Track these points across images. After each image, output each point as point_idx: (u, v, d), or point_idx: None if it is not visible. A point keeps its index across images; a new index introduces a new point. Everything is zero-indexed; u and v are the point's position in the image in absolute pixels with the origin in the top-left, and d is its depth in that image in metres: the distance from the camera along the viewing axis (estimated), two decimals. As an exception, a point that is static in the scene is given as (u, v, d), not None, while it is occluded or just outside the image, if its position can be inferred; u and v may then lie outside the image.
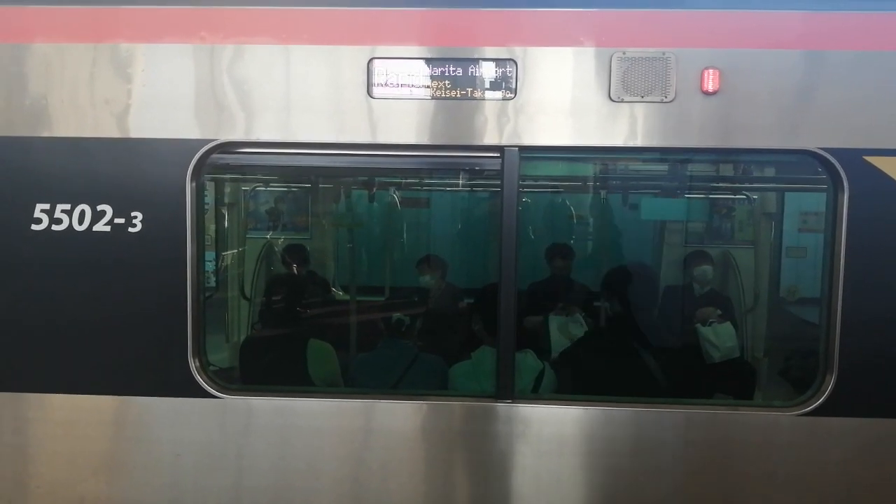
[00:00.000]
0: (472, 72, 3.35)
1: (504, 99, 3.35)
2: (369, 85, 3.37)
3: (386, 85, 3.37)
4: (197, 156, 3.39)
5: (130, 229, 3.42)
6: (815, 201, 4.67)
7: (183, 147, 3.39)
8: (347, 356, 5.11)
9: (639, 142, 3.34)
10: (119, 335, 3.46)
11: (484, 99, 3.35)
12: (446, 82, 3.35)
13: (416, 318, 4.74)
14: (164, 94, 3.39)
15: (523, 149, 3.37)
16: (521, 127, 3.35)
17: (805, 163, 3.36)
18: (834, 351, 3.31)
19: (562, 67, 3.33)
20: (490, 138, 3.37)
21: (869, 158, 3.25)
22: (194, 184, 3.42)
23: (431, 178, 6.37)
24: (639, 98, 3.30)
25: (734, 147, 3.37)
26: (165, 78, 3.39)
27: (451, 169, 5.04)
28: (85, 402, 3.51)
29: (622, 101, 3.31)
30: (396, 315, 4.52)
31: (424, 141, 3.40)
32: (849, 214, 3.26)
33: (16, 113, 3.42)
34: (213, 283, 6.33)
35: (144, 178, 3.40)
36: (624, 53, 3.30)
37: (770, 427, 3.39)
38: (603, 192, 6.21)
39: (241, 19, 3.39)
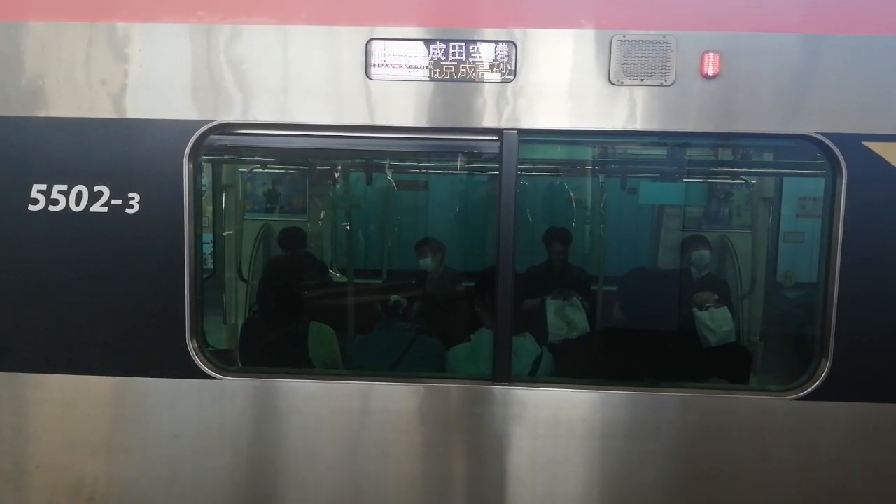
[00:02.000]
0: (471, 54, 3.33)
1: (503, 81, 3.33)
2: (367, 66, 3.35)
3: (384, 66, 3.35)
4: (194, 137, 3.38)
5: (128, 210, 3.41)
6: (814, 186, 4.67)
7: (180, 128, 3.37)
8: (346, 338, 5.13)
9: (638, 125, 3.33)
10: (117, 316, 3.46)
11: (483, 81, 3.33)
12: (445, 64, 3.34)
13: (414, 300, 4.75)
14: (162, 74, 3.37)
15: (522, 132, 3.36)
16: (520, 110, 3.34)
17: (804, 148, 3.36)
18: (829, 336, 3.32)
19: (561, 50, 3.31)
20: (489, 121, 3.36)
21: (868, 144, 3.24)
22: (191, 165, 3.40)
23: (430, 160, 6.35)
24: (638, 81, 3.29)
25: (733, 131, 3.36)
26: (163, 58, 3.37)
27: (449, 151, 5.03)
28: (83, 382, 3.52)
29: (622, 85, 3.30)
30: (394, 297, 4.53)
31: (423, 123, 3.39)
32: (847, 200, 3.26)
33: (12, 92, 3.40)
34: (210, 265, 6.33)
35: (142, 159, 3.39)
36: (624, 36, 3.28)
37: (765, 411, 3.42)
38: (602, 176, 6.20)
39: None
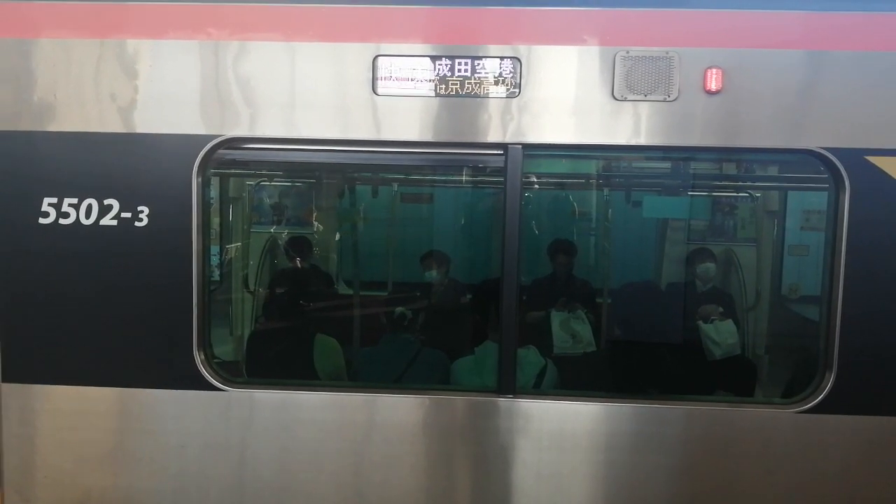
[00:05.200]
0: (476, 69, 3.37)
1: (508, 96, 3.37)
2: (374, 81, 3.39)
3: (391, 81, 3.40)
4: (203, 151, 3.42)
5: (137, 223, 3.45)
6: (818, 200, 4.68)
7: (189, 142, 3.42)
8: (352, 350, 5.15)
9: (642, 140, 3.36)
10: (125, 328, 3.49)
11: (488, 96, 3.37)
12: (451, 80, 3.38)
13: (419, 312, 4.77)
14: (171, 89, 3.42)
15: (527, 146, 3.39)
16: (525, 125, 3.38)
17: (807, 162, 3.38)
18: (833, 349, 3.33)
19: (566, 66, 3.35)
20: (494, 136, 3.39)
21: (870, 158, 3.27)
22: (200, 179, 3.45)
23: (435, 174, 6.39)
24: (642, 97, 3.32)
25: (736, 146, 3.39)
26: (172, 74, 3.42)
27: (454, 165, 5.06)
28: (92, 393, 3.55)
29: (625, 100, 3.33)
30: (400, 309, 4.55)
31: (428, 138, 3.43)
32: (850, 213, 3.28)
33: (24, 107, 3.46)
34: (217, 277, 6.36)
35: (151, 173, 3.44)
36: (627, 52, 3.32)
37: (769, 424, 3.42)
38: (606, 190, 6.23)
39: (248, 16, 3.42)
